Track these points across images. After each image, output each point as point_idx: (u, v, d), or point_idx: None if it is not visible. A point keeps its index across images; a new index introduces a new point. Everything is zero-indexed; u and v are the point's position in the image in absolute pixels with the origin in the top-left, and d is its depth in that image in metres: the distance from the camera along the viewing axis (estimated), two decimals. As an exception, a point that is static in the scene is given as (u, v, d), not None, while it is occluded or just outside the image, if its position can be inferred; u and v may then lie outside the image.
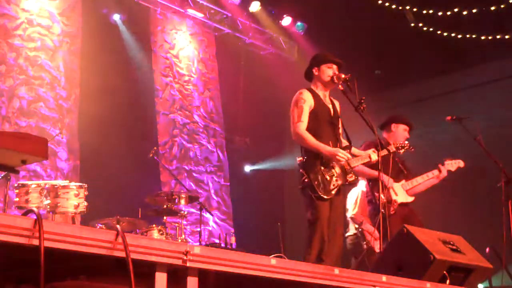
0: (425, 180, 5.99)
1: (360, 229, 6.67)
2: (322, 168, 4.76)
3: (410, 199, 5.93)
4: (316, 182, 4.71)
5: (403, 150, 5.53)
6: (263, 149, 10.44)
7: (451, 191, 6.87)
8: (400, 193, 5.82)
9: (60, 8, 8.27)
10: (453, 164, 6.23)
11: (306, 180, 4.75)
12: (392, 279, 3.22)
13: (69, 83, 8.14)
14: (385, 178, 5.68)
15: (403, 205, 5.80)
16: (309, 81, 5.12)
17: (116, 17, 8.95)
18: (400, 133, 6.02)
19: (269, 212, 9.90)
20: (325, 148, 4.77)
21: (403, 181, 5.94)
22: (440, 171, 5.99)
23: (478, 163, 6.75)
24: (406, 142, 5.64)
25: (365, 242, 6.60)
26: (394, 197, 5.76)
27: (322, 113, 4.93)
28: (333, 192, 4.75)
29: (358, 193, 6.69)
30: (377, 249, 6.34)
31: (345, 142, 5.06)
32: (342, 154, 4.75)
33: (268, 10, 10.34)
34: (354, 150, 5.10)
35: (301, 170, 4.80)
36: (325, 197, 4.71)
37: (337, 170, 4.82)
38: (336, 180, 4.78)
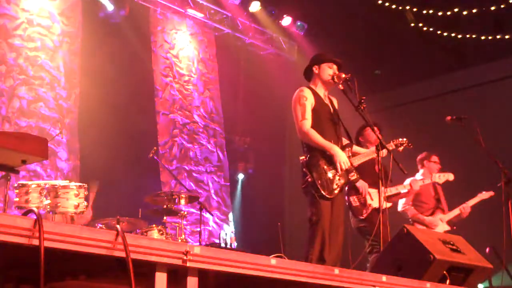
0: (399, 192, 6.00)
1: (411, 221, 6.62)
2: (325, 167, 4.75)
3: (387, 205, 5.87)
4: (319, 181, 4.70)
5: (401, 147, 5.44)
6: (263, 149, 10.43)
7: (451, 191, 6.87)
8: (376, 198, 5.66)
9: (60, 8, 8.27)
10: (441, 177, 6.31)
11: (309, 179, 4.74)
12: (392, 279, 3.22)
13: (69, 83, 8.14)
14: (360, 183, 5.70)
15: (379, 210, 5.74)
16: (307, 80, 5.12)
17: (110, 6, 8.76)
18: (371, 135, 5.93)
19: (269, 212, 9.90)
20: (333, 149, 4.75)
21: (383, 188, 5.88)
22: (411, 186, 6.03)
23: (477, 163, 6.76)
24: (405, 139, 5.51)
25: None
26: (369, 201, 5.76)
27: (322, 111, 4.92)
28: (336, 191, 4.75)
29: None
30: None
31: (345, 140, 5.05)
32: (345, 163, 4.75)
33: (268, 10, 10.33)
34: (355, 148, 5.10)
35: (304, 169, 4.79)
36: (328, 196, 4.71)
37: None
38: (339, 179, 4.77)
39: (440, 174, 6.38)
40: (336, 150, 4.75)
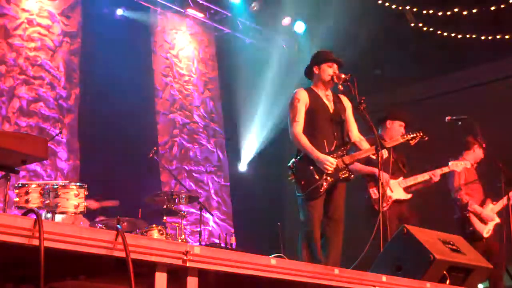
0: (422, 180, 5.91)
1: (465, 212, 6.42)
2: (312, 167, 4.76)
3: (407, 196, 5.83)
4: (303, 183, 4.74)
5: (414, 141, 5.27)
6: (263, 149, 10.43)
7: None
8: (396, 190, 5.73)
9: (60, 8, 8.27)
10: (458, 165, 6.18)
11: (293, 181, 4.80)
12: (392, 279, 3.22)
13: (69, 83, 8.15)
14: (383, 176, 5.66)
15: (399, 202, 5.72)
16: (309, 79, 5.14)
17: (119, 11, 8.89)
18: (395, 130, 5.89)
19: (269, 212, 9.89)
20: (315, 154, 4.75)
21: (401, 178, 5.86)
22: (434, 175, 5.89)
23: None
24: (420, 132, 5.33)
25: (471, 228, 6.38)
26: (389, 193, 5.67)
27: (319, 111, 4.93)
28: (321, 190, 4.73)
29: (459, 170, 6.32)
30: (485, 234, 6.31)
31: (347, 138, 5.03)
32: (329, 165, 4.72)
33: (268, 10, 10.32)
34: (362, 143, 5.04)
35: (289, 171, 4.85)
36: (313, 196, 4.72)
37: None
38: (326, 178, 4.74)
39: (457, 162, 6.19)
40: (317, 155, 4.74)
